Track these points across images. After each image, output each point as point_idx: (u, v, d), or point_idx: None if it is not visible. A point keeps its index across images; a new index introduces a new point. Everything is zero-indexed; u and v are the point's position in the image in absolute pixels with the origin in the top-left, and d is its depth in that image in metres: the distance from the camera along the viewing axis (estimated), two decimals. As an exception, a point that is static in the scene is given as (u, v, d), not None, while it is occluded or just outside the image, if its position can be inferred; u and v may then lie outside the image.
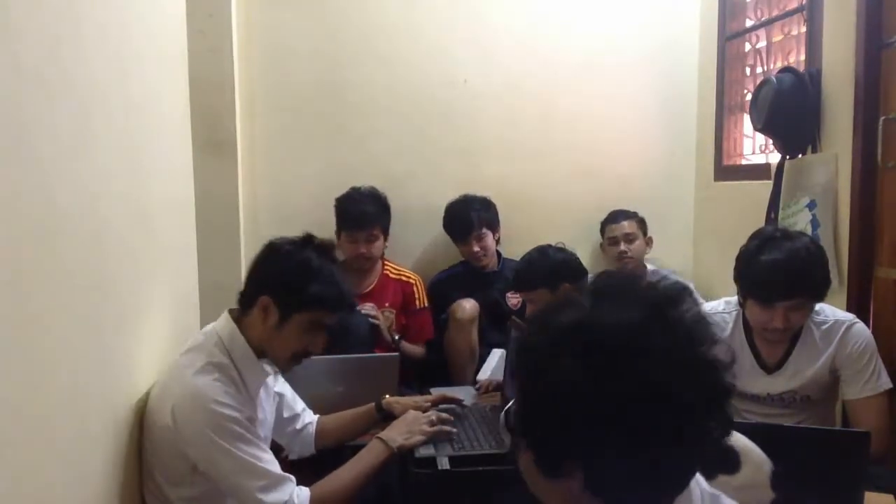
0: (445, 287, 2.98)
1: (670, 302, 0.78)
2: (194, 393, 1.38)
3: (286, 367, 1.59)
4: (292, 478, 1.44)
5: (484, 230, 2.91)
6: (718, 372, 0.77)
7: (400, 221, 2.93)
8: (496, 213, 3.00)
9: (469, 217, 2.90)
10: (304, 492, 1.44)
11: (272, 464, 1.43)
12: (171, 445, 1.39)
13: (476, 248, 2.91)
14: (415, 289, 2.89)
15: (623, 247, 3.05)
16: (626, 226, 3.06)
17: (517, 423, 0.84)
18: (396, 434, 1.63)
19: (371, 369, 2.10)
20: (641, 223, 3.11)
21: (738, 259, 1.84)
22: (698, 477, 0.85)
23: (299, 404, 1.80)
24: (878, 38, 2.09)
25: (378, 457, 1.58)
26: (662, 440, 0.74)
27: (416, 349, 2.82)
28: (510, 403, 0.88)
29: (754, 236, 1.86)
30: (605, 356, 0.74)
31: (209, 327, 1.55)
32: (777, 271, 1.73)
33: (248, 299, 1.52)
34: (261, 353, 1.53)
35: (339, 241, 2.79)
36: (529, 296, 2.26)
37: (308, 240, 1.56)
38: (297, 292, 1.48)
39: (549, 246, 2.33)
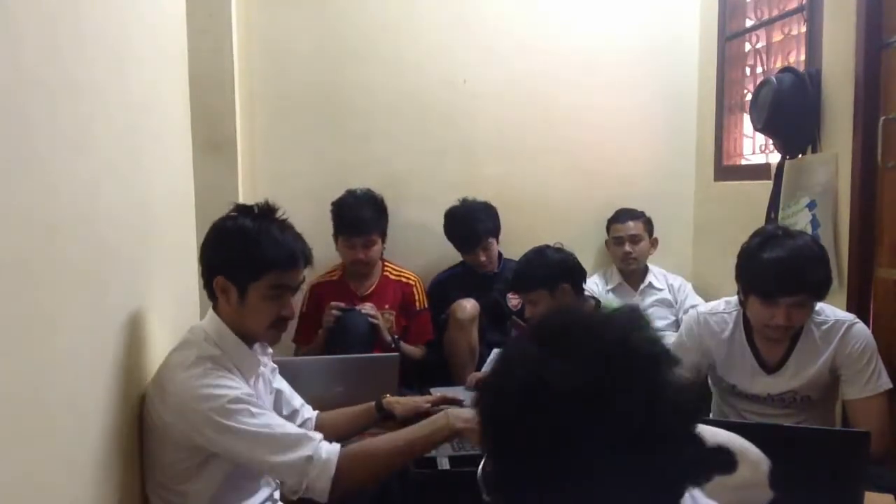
0: (445, 287, 2.98)
1: (624, 339, 0.77)
2: (190, 385, 1.37)
3: (270, 339, 1.54)
4: (315, 435, 1.39)
5: (489, 240, 2.90)
6: (684, 394, 0.77)
7: (400, 221, 2.94)
8: (498, 218, 2.98)
9: (475, 230, 2.88)
10: (333, 447, 1.38)
11: (285, 426, 1.39)
12: (171, 443, 1.39)
13: (482, 258, 2.91)
14: (415, 290, 2.89)
15: (628, 247, 3.05)
16: (632, 226, 3.07)
17: (492, 482, 0.84)
18: (460, 418, 1.47)
19: (371, 369, 2.10)
20: (647, 224, 3.11)
21: (740, 256, 1.84)
22: (695, 493, 0.84)
23: (297, 400, 1.80)
24: (878, 38, 2.09)
25: (439, 431, 1.45)
26: (642, 476, 0.73)
27: (415, 350, 2.81)
28: (482, 463, 0.87)
29: (756, 234, 1.86)
30: (564, 413, 0.73)
31: (196, 325, 1.54)
32: (780, 267, 1.73)
33: (208, 288, 1.49)
34: (249, 341, 1.52)
35: (337, 244, 2.78)
36: (528, 297, 2.26)
37: (242, 209, 1.50)
38: (243, 263, 1.43)
39: (547, 246, 2.33)
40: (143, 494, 1.45)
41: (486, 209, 2.95)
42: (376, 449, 1.44)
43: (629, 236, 3.06)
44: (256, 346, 1.56)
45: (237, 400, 1.36)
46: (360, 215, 2.73)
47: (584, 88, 3.23)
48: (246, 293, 1.44)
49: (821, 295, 1.78)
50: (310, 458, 1.35)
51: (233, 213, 1.51)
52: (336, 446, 1.39)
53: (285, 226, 1.50)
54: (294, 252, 1.46)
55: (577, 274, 2.26)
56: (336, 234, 2.79)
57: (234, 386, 1.39)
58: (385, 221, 2.84)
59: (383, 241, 2.84)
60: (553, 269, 2.23)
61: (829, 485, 1.34)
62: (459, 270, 3.04)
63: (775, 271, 1.74)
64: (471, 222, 2.90)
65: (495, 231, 2.95)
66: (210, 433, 1.35)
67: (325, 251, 2.79)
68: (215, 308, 1.52)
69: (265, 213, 1.50)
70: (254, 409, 1.37)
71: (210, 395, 1.35)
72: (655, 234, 3.14)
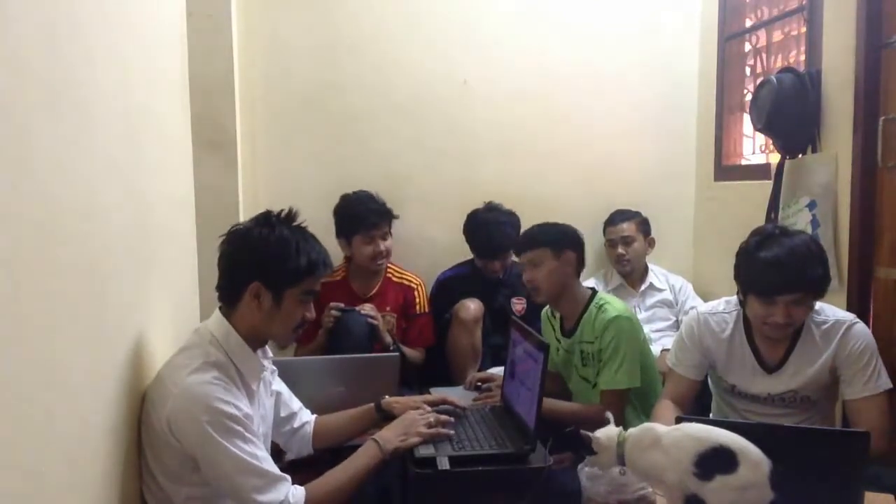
0: (450, 286, 2.96)
1: None
2: (193, 392, 1.37)
3: (292, 339, 1.63)
4: (288, 477, 1.44)
5: (509, 251, 2.87)
6: None
7: (400, 221, 2.93)
8: (520, 229, 2.89)
9: (500, 243, 2.85)
10: (300, 491, 1.44)
11: (269, 462, 1.43)
12: (170, 445, 1.39)
13: (497, 267, 2.90)
14: (416, 293, 2.87)
15: (621, 249, 3.05)
16: (625, 228, 3.06)
17: None
18: (392, 435, 1.63)
19: (371, 369, 2.09)
20: (642, 224, 3.10)
21: (739, 255, 1.85)
22: None
23: (296, 403, 1.80)
24: (878, 38, 2.09)
25: (372, 458, 1.58)
26: None
27: (413, 353, 2.79)
28: None
29: (754, 233, 1.87)
30: None
31: (201, 326, 1.55)
32: (777, 265, 1.74)
33: (233, 292, 1.51)
34: (256, 344, 1.53)
35: (352, 246, 2.77)
36: (531, 255, 2.21)
37: (269, 216, 1.55)
38: (286, 270, 1.49)
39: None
40: (142, 494, 1.45)
41: (512, 221, 2.90)
42: (329, 492, 1.51)
43: (621, 238, 3.06)
44: (259, 350, 1.57)
45: (236, 420, 1.38)
46: (375, 208, 2.75)
47: (584, 88, 3.23)
48: (282, 298, 1.50)
49: (819, 292, 1.78)
50: (284, 503, 1.41)
51: (259, 220, 1.54)
52: (302, 490, 1.45)
53: (310, 233, 1.57)
54: (326, 259, 1.57)
55: (581, 250, 2.23)
56: (349, 234, 2.76)
57: (236, 404, 1.40)
58: (391, 215, 2.84)
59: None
60: (562, 233, 2.22)
61: (829, 485, 1.34)
62: (466, 270, 3.01)
63: (773, 270, 1.74)
64: (495, 234, 2.86)
65: (516, 244, 2.91)
66: (199, 442, 1.36)
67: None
68: (227, 311, 1.52)
69: (291, 220, 1.56)
70: (247, 435, 1.40)
71: (211, 406, 1.36)
72: (653, 234, 3.13)
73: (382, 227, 2.75)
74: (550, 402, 2.07)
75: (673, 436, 1.36)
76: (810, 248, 1.77)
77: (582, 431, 1.45)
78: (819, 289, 1.77)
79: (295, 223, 1.56)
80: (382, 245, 2.75)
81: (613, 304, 2.17)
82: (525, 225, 3.00)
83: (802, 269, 1.73)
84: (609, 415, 1.50)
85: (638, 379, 2.11)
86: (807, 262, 1.74)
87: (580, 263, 2.24)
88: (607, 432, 1.43)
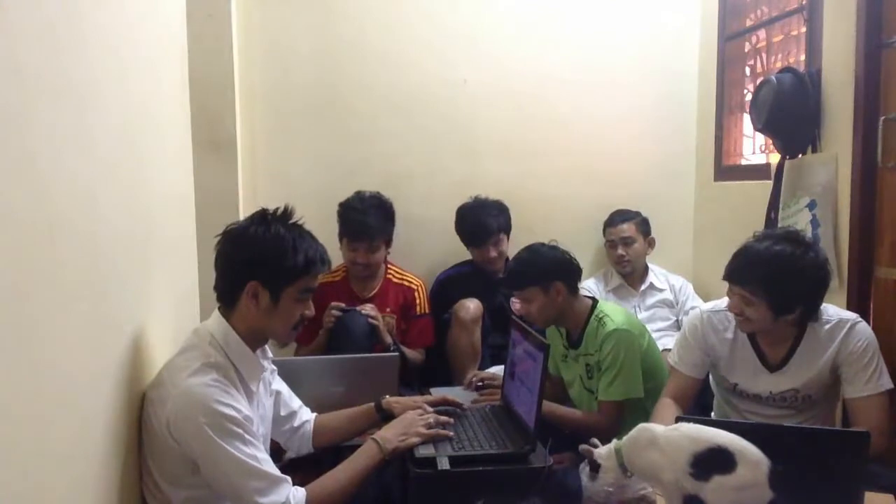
0: (450, 286, 2.96)
1: None
2: (192, 393, 1.37)
3: (290, 338, 1.60)
4: (288, 479, 1.44)
5: (501, 235, 2.90)
6: None
7: (400, 221, 2.93)
8: (509, 217, 2.98)
9: (486, 223, 2.88)
10: (300, 492, 1.44)
11: (269, 464, 1.43)
12: (169, 446, 1.39)
13: (493, 254, 2.90)
14: (416, 294, 2.86)
15: (621, 250, 3.05)
16: (625, 229, 3.07)
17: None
18: (392, 435, 1.63)
19: (371, 369, 2.09)
20: (642, 224, 3.10)
21: None
22: None
23: (296, 402, 1.80)
24: (878, 38, 2.09)
25: (372, 458, 1.58)
26: None
27: (413, 354, 2.78)
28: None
29: (772, 233, 1.89)
30: None
31: (201, 326, 1.54)
32: (740, 255, 1.79)
33: (230, 292, 1.50)
34: (256, 343, 1.53)
35: (341, 245, 2.78)
36: (522, 294, 2.21)
37: (265, 215, 1.53)
38: (282, 269, 1.47)
39: (541, 244, 2.27)
40: (142, 495, 1.45)
41: (499, 205, 2.96)
42: (330, 492, 1.51)
43: (621, 239, 3.06)
44: (259, 350, 1.57)
45: (235, 422, 1.38)
46: (365, 221, 2.70)
47: (584, 88, 3.23)
48: (279, 297, 1.49)
49: (777, 302, 1.75)
50: None
51: (254, 219, 1.53)
52: (303, 491, 1.45)
53: (307, 231, 1.56)
54: (324, 257, 1.55)
55: (570, 272, 2.20)
56: (341, 235, 2.78)
57: (236, 405, 1.40)
58: (391, 228, 2.82)
59: (388, 247, 2.82)
60: (546, 266, 2.19)
61: (829, 485, 1.34)
62: (466, 270, 3.02)
63: (736, 257, 1.80)
64: (482, 217, 2.90)
65: (507, 228, 2.95)
66: (199, 445, 1.36)
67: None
68: (226, 312, 1.52)
69: (287, 217, 1.54)
70: (247, 437, 1.40)
71: (210, 408, 1.36)
72: (653, 234, 3.13)
73: (367, 242, 2.70)
74: (550, 406, 2.08)
75: (670, 436, 1.36)
76: (794, 257, 1.74)
77: (581, 447, 1.46)
78: (777, 299, 1.75)
79: (291, 221, 1.54)
80: (362, 257, 2.72)
81: (613, 317, 2.14)
82: (522, 224, 3.03)
83: (762, 269, 1.74)
84: (595, 440, 1.50)
85: (638, 389, 2.10)
86: (776, 265, 1.73)
87: (574, 282, 2.21)
88: (605, 447, 1.46)
